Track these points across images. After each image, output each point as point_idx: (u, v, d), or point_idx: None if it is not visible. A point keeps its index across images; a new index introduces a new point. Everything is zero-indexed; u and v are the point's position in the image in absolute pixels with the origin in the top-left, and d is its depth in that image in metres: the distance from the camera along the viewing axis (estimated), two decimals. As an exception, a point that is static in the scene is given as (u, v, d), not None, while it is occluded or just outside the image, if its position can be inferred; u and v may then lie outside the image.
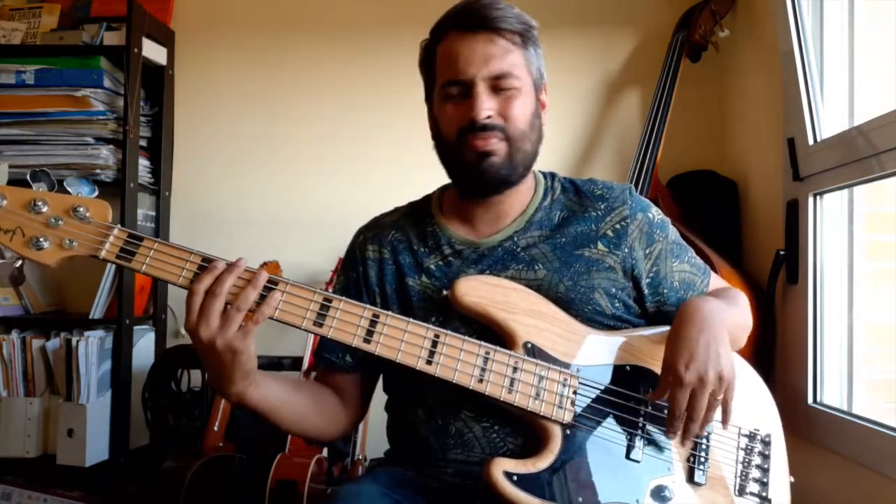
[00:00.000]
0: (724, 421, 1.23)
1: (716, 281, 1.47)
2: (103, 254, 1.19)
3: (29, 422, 2.45)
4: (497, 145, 1.29)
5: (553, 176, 1.44)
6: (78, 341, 2.37)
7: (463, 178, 1.35)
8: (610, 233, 1.35)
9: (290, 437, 2.22)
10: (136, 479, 2.39)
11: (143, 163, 2.61)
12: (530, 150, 1.33)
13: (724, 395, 1.20)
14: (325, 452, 2.24)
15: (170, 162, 2.74)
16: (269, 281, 1.21)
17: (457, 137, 1.30)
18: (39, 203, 1.19)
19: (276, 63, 2.77)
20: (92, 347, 2.39)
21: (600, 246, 1.34)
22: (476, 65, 1.28)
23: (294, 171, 2.75)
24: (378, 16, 2.74)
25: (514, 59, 1.30)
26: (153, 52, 2.60)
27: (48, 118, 2.51)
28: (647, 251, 1.36)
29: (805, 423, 1.90)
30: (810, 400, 1.91)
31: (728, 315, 1.29)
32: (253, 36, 2.78)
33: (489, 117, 1.28)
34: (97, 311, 2.47)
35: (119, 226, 1.21)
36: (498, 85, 1.29)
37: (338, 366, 1.39)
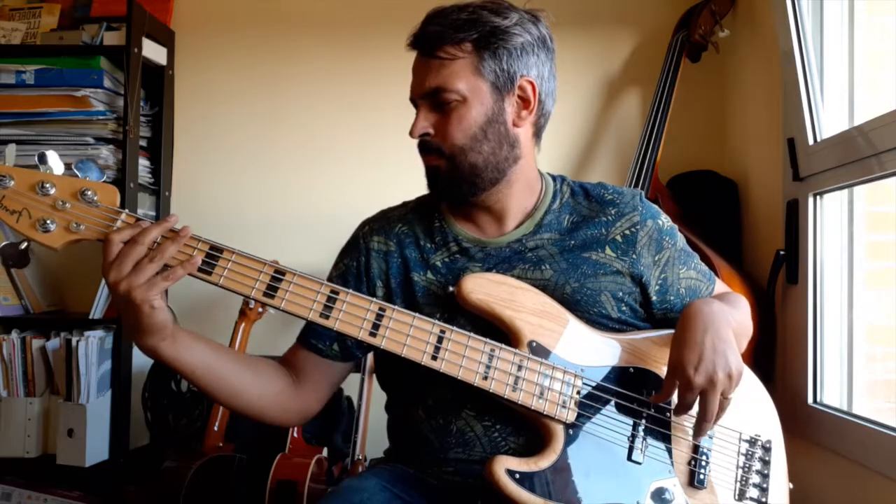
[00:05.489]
0: (720, 412, 1.23)
1: (720, 287, 1.47)
2: None
3: (29, 422, 2.45)
4: (437, 162, 1.31)
5: (563, 179, 1.43)
6: (78, 341, 2.37)
7: None
8: (619, 238, 1.35)
9: (290, 437, 2.23)
10: (136, 479, 2.39)
11: (143, 163, 2.61)
12: (479, 161, 1.30)
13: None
14: (325, 452, 2.25)
15: (170, 162, 2.74)
16: (277, 271, 1.21)
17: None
18: (47, 185, 1.18)
19: (276, 63, 2.77)
20: (92, 347, 2.39)
21: (608, 250, 1.34)
22: (417, 84, 1.32)
23: (294, 171, 2.75)
24: (378, 16, 2.74)
25: (452, 71, 1.28)
26: (153, 52, 2.60)
27: (48, 118, 2.50)
28: (656, 258, 1.36)
29: (805, 424, 1.90)
30: (810, 400, 1.91)
31: (730, 316, 1.29)
32: (253, 36, 2.78)
33: (425, 135, 1.31)
34: (97, 311, 2.47)
35: (127, 210, 1.21)
36: (437, 101, 1.29)
37: (322, 352, 1.39)
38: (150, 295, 1.15)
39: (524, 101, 1.33)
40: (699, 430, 1.22)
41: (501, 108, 1.31)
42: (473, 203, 1.36)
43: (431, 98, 1.29)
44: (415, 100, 1.33)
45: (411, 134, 1.31)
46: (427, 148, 1.32)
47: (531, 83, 1.32)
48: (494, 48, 1.29)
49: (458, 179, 1.31)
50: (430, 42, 1.29)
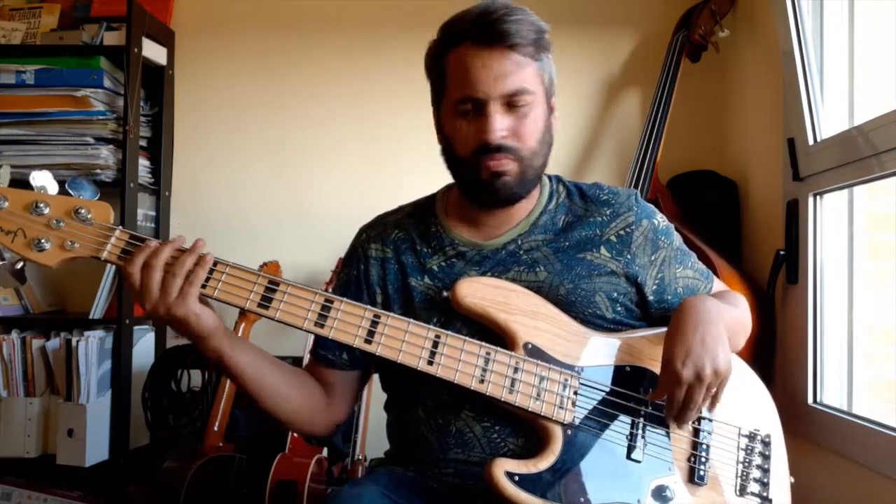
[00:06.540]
0: (712, 407, 1.26)
1: (718, 285, 1.47)
2: (104, 255, 1.21)
3: (29, 422, 2.45)
4: (508, 166, 1.27)
5: (558, 179, 1.43)
6: (78, 341, 2.37)
7: (474, 191, 1.33)
8: (613, 238, 1.35)
9: (290, 437, 2.23)
10: (136, 479, 2.39)
11: (143, 163, 2.61)
12: (540, 164, 1.32)
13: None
14: (325, 452, 2.25)
15: (170, 162, 2.74)
16: (272, 282, 1.22)
17: (471, 155, 1.28)
18: (41, 205, 1.20)
19: (275, 63, 2.77)
20: (92, 347, 2.39)
21: (603, 251, 1.34)
22: (491, 83, 1.24)
23: (294, 171, 2.76)
24: (379, 15, 2.74)
25: (527, 73, 1.27)
26: (153, 52, 2.60)
27: (48, 118, 2.51)
28: (652, 258, 1.36)
29: (805, 423, 1.90)
30: (810, 400, 1.91)
31: (725, 313, 1.29)
32: (253, 36, 2.78)
33: (503, 138, 1.26)
34: (97, 311, 2.47)
35: (121, 227, 1.23)
36: (512, 102, 1.26)
37: (334, 363, 1.39)
38: (188, 306, 1.19)
39: (551, 110, 1.35)
40: (681, 418, 1.23)
41: (548, 114, 1.33)
42: (496, 207, 1.34)
43: (507, 98, 1.26)
44: (482, 99, 1.25)
45: (490, 137, 1.24)
46: (502, 150, 1.26)
47: (554, 89, 1.35)
48: (547, 55, 1.31)
49: (524, 183, 1.30)
50: (508, 39, 1.24)
